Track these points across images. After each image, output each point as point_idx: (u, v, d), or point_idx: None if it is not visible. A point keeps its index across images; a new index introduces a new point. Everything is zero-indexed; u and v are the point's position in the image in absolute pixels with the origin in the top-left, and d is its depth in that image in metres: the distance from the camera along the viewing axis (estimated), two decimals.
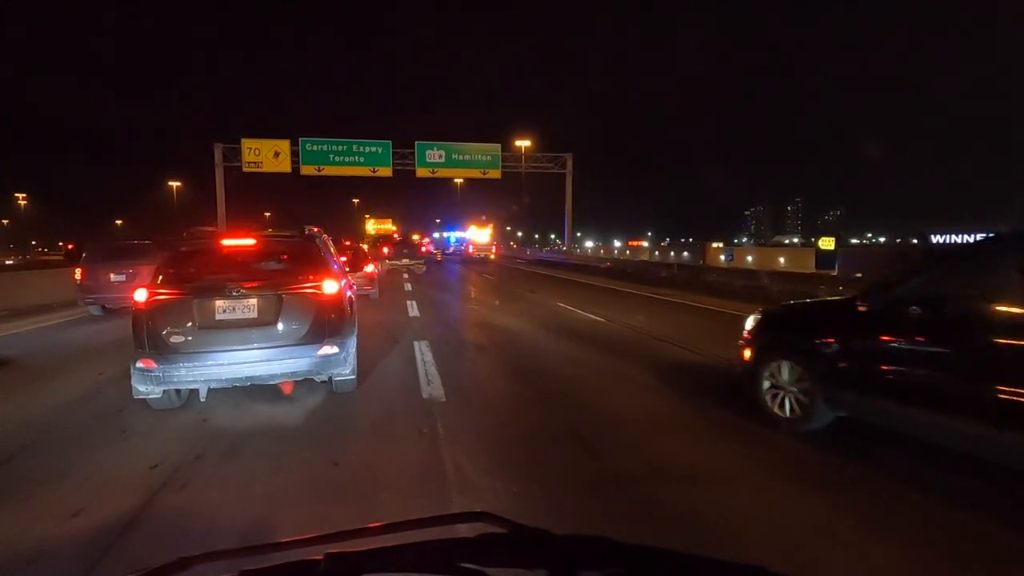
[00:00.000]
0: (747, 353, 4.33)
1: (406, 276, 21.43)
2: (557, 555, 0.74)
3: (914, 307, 3.25)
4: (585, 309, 10.90)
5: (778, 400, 4.02)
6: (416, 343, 7.13)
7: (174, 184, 56.23)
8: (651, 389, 5.15)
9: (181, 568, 0.75)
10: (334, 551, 0.73)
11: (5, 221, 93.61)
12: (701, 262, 56.32)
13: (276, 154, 29.50)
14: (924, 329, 3.26)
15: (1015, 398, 2.72)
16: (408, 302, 12.11)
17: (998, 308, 2.94)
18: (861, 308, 3.59)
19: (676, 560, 0.78)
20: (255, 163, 29.47)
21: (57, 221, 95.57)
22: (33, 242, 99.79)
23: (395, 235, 33.73)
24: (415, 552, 0.75)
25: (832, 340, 3.73)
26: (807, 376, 3.82)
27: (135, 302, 4.37)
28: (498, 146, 32.66)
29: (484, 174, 32.73)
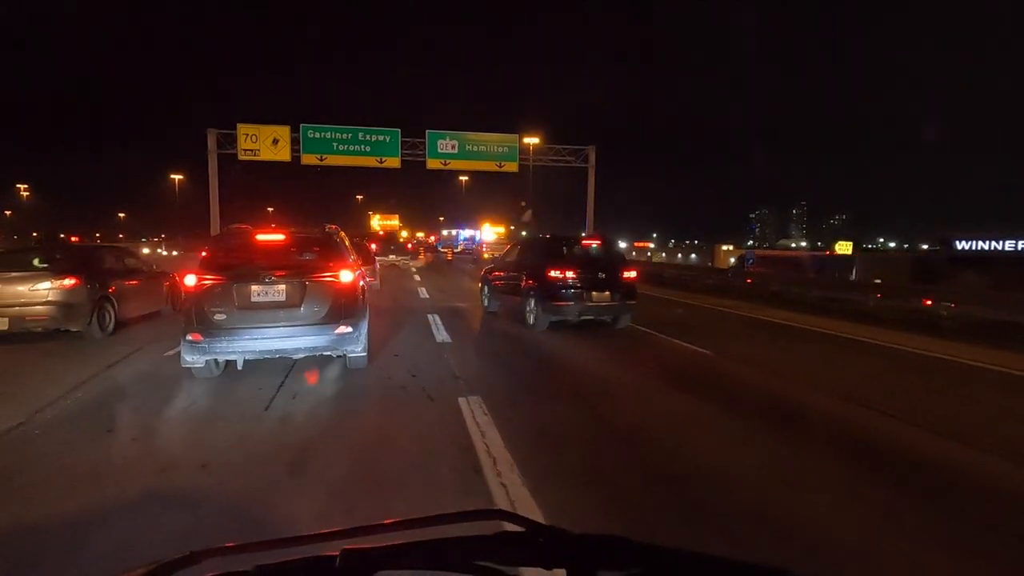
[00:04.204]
0: (479, 284, 12.05)
1: (418, 279, 19.12)
2: (576, 554, 0.72)
3: (502, 261, 11.55)
4: (668, 333, 9.18)
5: (485, 299, 11.35)
6: (463, 403, 4.72)
7: (176, 177, 54.45)
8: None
9: (191, 562, 0.70)
10: (350, 547, 0.70)
11: (7, 212, 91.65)
12: (710, 264, 54.27)
13: (275, 141, 26.89)
14: (504, 270, 10.79)
15: (518, 286, 9.63)
16: (429, 317, 9.85)
17: (517, 262, 10.30)
18: (492, 264, 12.46)
19: (695, 561, 0.74)
20: (251, 150, 26.83)
21: (58, 213, 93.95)
22: (35, 233, 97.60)
23: (381, 233, 34.65)
24: (432, 549, 0.73)
25: (490, 276, 11.32)
26: (489, 291, 11.21)
27: (185, 286, 5.32)
28: (516, 137, 29.90)
29: (500, 167, 30.01)
